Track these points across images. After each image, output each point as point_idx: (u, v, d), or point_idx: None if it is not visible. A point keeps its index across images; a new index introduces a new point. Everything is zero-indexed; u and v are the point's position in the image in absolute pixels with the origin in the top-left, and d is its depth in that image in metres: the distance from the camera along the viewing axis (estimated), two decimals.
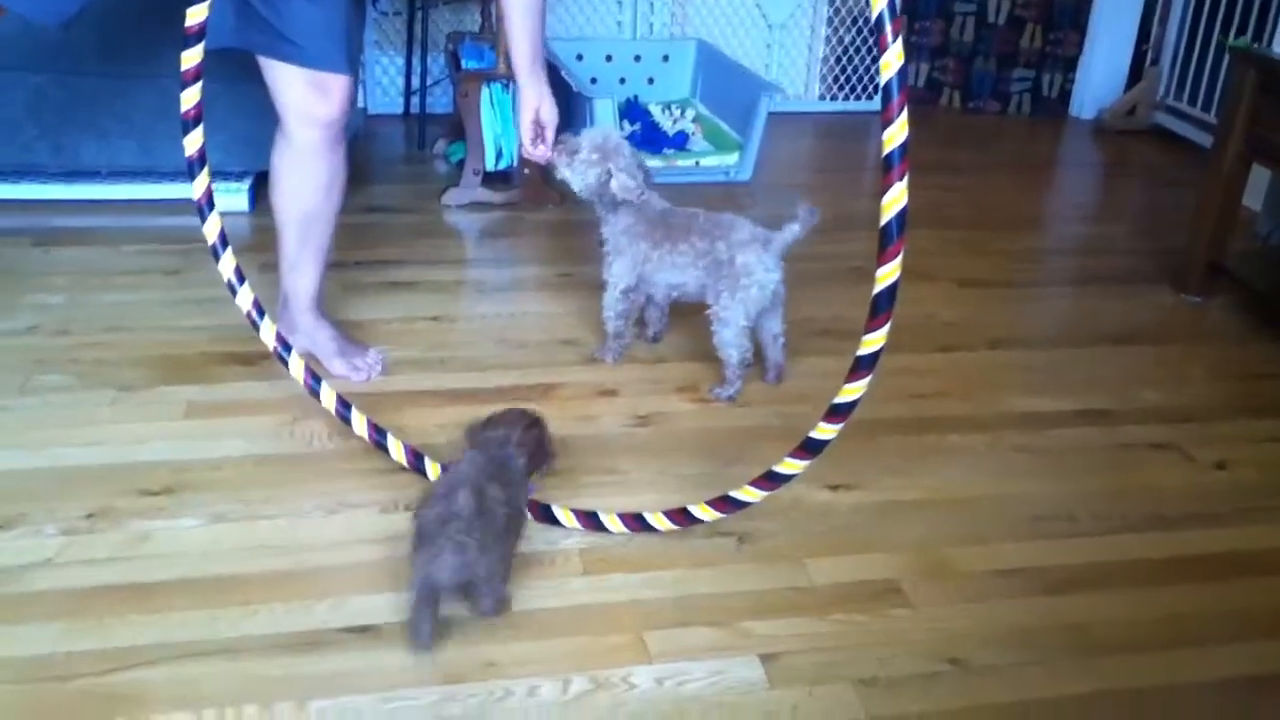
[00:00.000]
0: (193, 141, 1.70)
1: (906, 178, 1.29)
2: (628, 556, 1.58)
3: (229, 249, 1.77)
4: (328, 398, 1.76)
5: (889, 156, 1.29)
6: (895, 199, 1.30)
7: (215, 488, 1.69)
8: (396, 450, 1.72)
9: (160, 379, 1.97)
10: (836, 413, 1.46)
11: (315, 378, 1.78)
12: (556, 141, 1.99)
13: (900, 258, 1.34)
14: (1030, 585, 1.58)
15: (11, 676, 1.31)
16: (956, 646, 1.44)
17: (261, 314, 1.80)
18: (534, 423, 1.61)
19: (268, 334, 1.80)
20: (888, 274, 1.35)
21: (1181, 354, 2.38)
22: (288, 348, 1.81)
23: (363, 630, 1.41)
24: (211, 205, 1.75)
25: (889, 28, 1.25)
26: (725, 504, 1.58)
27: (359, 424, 1.73)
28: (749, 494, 1.56)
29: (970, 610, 1.52)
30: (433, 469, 1.69)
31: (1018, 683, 1.40)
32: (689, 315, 2.17)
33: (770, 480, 1.55)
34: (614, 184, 2.00)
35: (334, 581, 1.50)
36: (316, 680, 1.33)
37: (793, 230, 1.94)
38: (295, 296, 2.02)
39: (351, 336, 2.11)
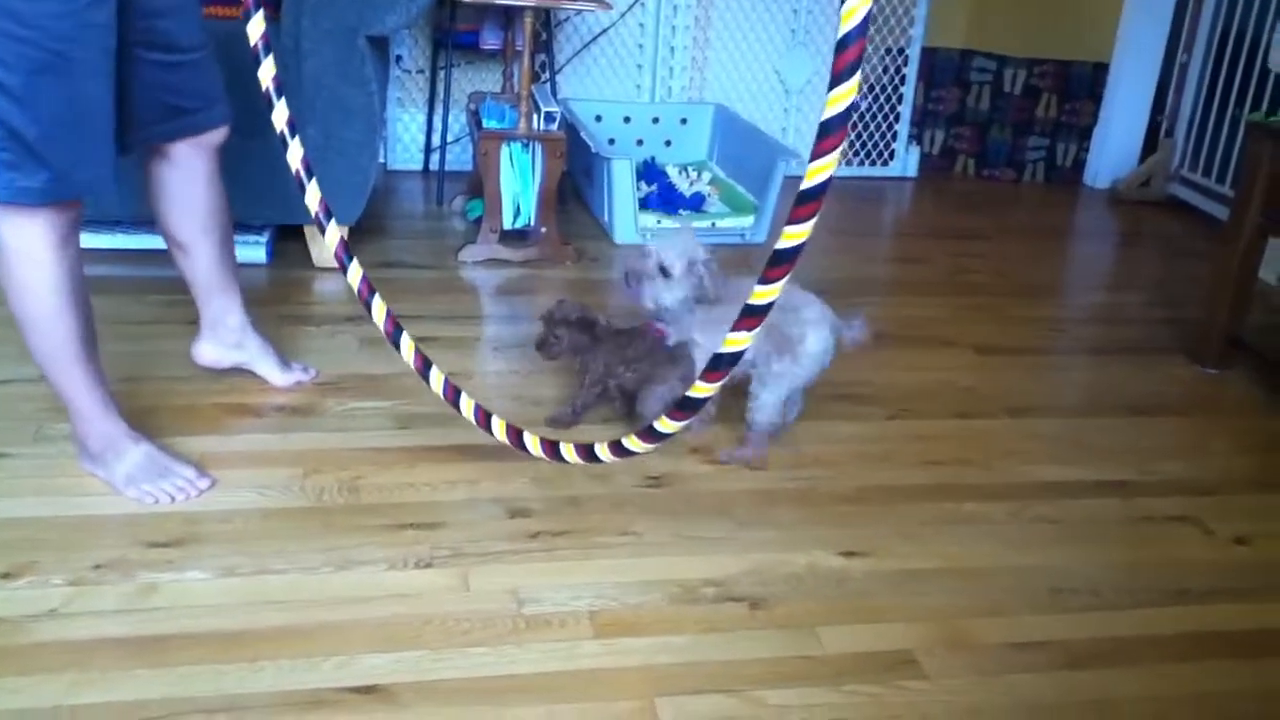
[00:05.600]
0: None
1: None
2: (639, 620, 1.56)
3: None
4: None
5: None
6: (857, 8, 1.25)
7: (224, 540, 1.68)
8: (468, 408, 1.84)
9: (174, 429, 1.96)
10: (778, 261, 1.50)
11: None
12: (637, 277, 2.03)
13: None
14: (1050, 659, 1.55)
15: None
16: None
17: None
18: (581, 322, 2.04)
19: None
20: (840, 97, 1.32)
21: (1200, 426, 2.36)
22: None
23: (369, 690, 1.39)
24: None
25: None
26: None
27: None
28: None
29: (988, 683, 1.49)
30: (532, 442, 1.76)
31: None
32: None
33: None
34: (705, 281, 1.99)
35: (341, 639, 1.48)
36: None
37: (841, 330, 1.98)
38: (229, 313, 2.10)
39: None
